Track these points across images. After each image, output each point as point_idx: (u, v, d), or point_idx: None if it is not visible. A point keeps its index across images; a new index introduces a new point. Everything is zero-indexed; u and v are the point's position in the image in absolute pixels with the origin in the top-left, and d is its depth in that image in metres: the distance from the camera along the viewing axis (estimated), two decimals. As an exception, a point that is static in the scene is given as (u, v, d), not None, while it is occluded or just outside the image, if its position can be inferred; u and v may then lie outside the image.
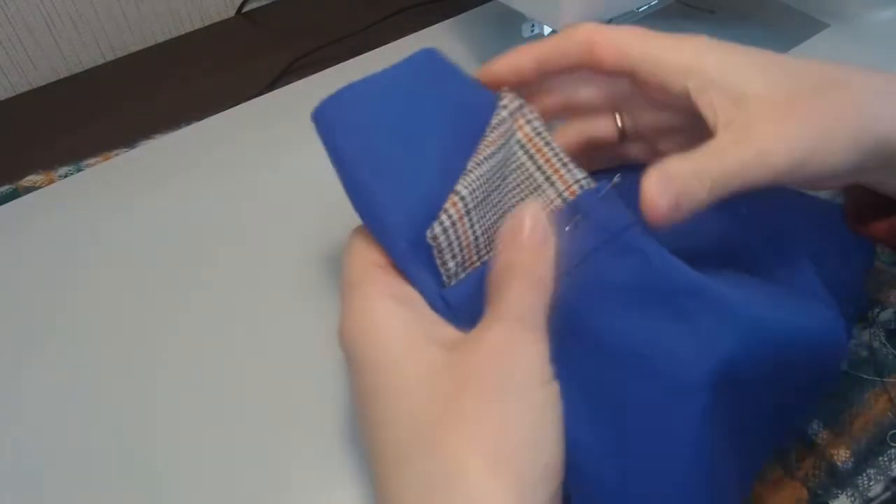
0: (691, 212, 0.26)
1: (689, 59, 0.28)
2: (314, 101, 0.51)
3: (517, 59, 0.31)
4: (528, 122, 0.29)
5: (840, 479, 0.31)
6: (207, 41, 0.61)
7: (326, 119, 0.30)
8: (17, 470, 0.32)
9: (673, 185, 0.25)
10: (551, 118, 0.33)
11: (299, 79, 0.53)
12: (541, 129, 0.29)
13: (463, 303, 0.26)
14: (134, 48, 0.60)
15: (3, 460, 0.32)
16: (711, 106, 0.28)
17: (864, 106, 0.27)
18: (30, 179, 0.47)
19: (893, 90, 0.28)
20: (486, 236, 0.28)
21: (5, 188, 0.46)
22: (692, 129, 0.30)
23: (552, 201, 0.28)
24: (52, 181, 0.46)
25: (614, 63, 0.29)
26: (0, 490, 0.31)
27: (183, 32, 0.62)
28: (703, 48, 0.29)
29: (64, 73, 0.58)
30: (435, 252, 0.26)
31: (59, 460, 0.32)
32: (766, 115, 0.27)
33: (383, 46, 0.56)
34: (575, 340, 0.25)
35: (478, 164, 0.27)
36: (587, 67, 0.30)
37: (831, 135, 0.27)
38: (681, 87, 0.28)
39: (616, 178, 0.28)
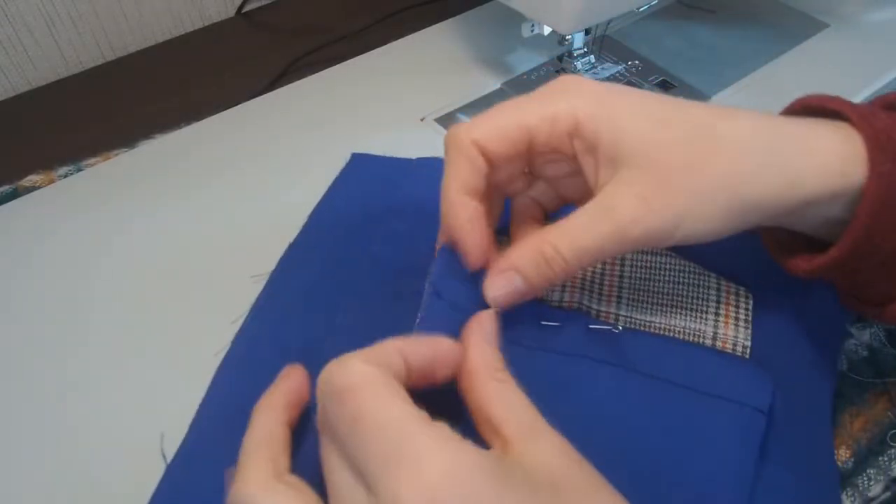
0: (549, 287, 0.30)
1: (572, 124, 0.29)
2: (314, 101, 0.52)
3: (454, 209, 0.30)
4: None
5: (840, 479, 0.31)
6: (207, 41, 0.61)
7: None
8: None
9: (516, 283, 0.29)
10: None
11: (299, 79, 0.53)
12: None
13: None
14: (134, 48, 0.60)
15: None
16: (591, 169, 0.29)
17: (737, 177, 0.27)
18: (30, 179, 0.47)
19: (764, 161, 0.28)
20: None
21: (5, 188, 0.46)
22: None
23: None
24: (52, 181, 0.46)
25: (508, 153, 0.30)
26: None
27: (183, 32, 0.62)
28: (587, 108, 0.28)
29: (64, 73, 0.58)
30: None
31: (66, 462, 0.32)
32: (632, 186, 0.28)
33: (383, 46, 0.56)
34: None
35: None
36: (488, 166, 0.30)
37: (698, 206, 0.27)
38: (571, 150, 0.29)
39: None
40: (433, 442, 0.21)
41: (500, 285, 0.29)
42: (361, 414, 0.22)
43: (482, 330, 0.27)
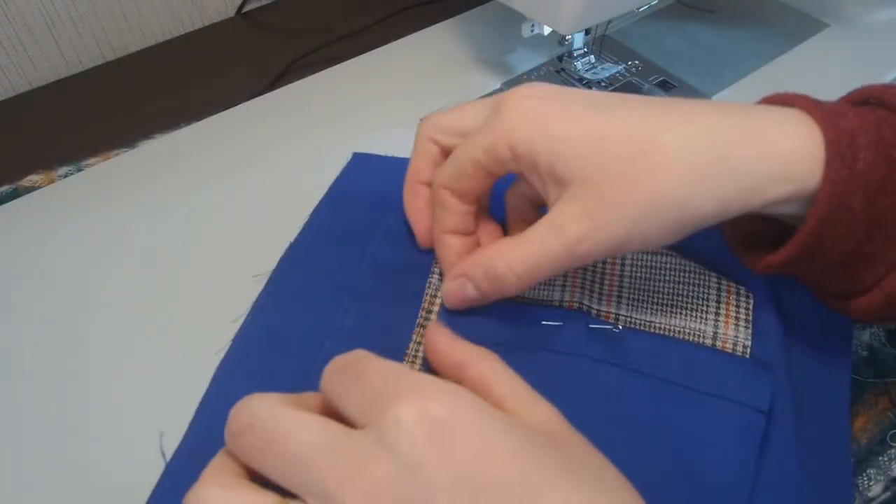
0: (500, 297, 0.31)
1: (509, 150, 0.29)
2: (314, 101, 0.52)
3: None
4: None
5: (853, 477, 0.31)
6: (207, 41, 0.61)
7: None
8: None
9: (468, 290, 0.31)
10: None
11: (299, 79, 0.53)
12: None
13: None
14: (134, 48, 0.60)
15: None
16: (540, 186, 0.30)
17: (683, 189, 0.27)
18: (30, 179, 0.47)
19: (713, 171, 0.27)
20: None
21: (5, 188, 0.46)
22: None
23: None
24: (52, 181, 0.46)
25: (476, 186, 0.31)
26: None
27: (183, 32, 0.62)
28: (520, 132, 0.29)
29: (64, 73, 0.58)
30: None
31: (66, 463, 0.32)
32: (577, 204, 0.28)
33: (383, 46, 0.56)
34: None
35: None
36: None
37: (645, 220, 0.27)
38: (518, 170, 0.30)
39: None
40: (440, 383, 0.23)
41: (453, 291, 0.32)
42: (365, 368, 0.23)
43: (446, 333, 0.29)
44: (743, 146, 0.27)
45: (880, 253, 0.27)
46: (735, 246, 0.32)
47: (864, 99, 0.30)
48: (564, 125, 0.28)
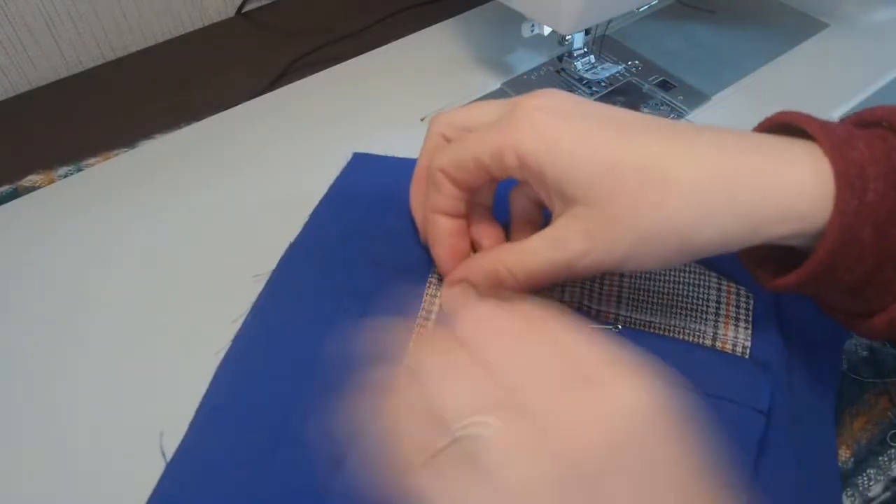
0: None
1: (516, 160, 0.29)
2: (314, 101, 0.52)
3: (433, 228, 0.34)
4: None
5: (840, 479, 0.31)
6: (207, 41, 0.61)
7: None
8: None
9: (468, 295, 0.31)
10: None
11: (299, 79, 0.53)
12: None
13: None
14: (134, 48, 0.60)
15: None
16: (546, 197, 0.30)
17: (687, 221, 0.27)
18: (30, 179, 0.47)
19: (717, 206, 0.27)
20: None
21: (5, 188, 0.46)
22: None
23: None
24: (52, 181, 0.46)
25: (473, 180, 0.32)
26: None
27: (183, 32, 0.62)
28: (529, 145, 0.29)
29: (64, 73, 0.58)
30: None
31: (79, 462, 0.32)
32: (581, 222, 0.28)
33: (383, 46, 0.56)
34: None
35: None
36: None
37: (646, 245, 0.28)
38: (523, 179, 0.30)
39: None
40: (627, 372, 0.24)
41: (454, 296, 0.32)
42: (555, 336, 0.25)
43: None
44: (749, 183, 0.27)
45: (890, 282, 0.27)
46: (746, 258, 0.32)
47: (876, 121, 0.29)
48: (576, 145, 0.28)
